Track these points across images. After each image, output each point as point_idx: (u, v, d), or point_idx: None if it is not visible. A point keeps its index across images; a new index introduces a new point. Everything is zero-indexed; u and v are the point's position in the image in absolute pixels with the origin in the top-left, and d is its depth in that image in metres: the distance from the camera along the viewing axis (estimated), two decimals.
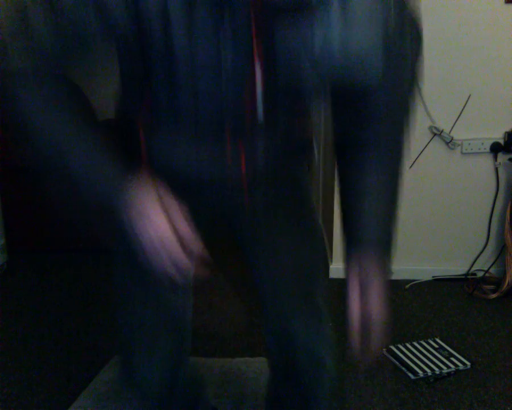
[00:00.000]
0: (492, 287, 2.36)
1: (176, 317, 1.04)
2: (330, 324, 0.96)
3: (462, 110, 2.33)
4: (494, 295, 2.29)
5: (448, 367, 1.76)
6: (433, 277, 2.50)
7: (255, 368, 1.56)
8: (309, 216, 1.05)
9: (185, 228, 0.72)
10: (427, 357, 1.81)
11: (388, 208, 0.88)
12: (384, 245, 0.84)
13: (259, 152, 0.86)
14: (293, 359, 0.97)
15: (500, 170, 2.38)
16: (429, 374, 1.72)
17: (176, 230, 0.71)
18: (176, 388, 1.03)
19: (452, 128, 2.35)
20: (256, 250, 1.03)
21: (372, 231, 0.84)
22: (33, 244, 2.97)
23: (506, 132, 2.33)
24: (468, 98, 2.31)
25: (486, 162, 2.38)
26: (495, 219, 2.43)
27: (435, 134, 2.36)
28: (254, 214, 0.99)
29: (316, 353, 0.96)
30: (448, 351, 1.86)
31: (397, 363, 1.79)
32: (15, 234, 2.94)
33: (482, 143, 2.35)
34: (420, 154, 2.39)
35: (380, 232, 0.85)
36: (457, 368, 1.75)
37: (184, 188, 0.80)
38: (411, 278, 2.50)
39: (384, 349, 1.87)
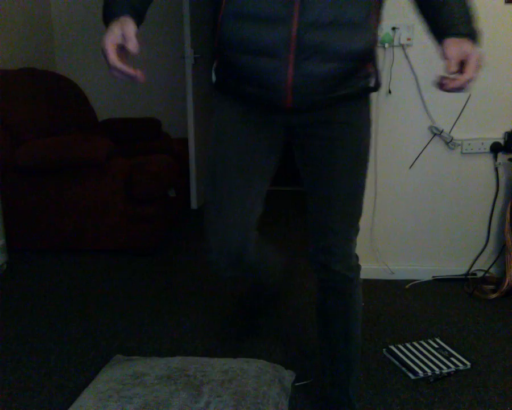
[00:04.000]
0: (492, 287, 2.36)
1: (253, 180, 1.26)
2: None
3: (462, 110, 2.33)
4: (494, 295, 2.29)
5: (448, 366, 1.76)
6: (433, 277, 2.50)
7: (256, 367, 1.56)
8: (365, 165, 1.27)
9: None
10: (427, 357, 1.81)
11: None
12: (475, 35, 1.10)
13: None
14: (334, 271, 1.29)
15: (500, 170, 2.38)
16: (429, 374, 1.72)
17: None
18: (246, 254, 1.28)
19: (452, 128, 2.35)
20: (316, 164, 1.25)
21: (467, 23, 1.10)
22: (33, 244, 2.97)
23: (506, 132, 2.33)
24: (468, 98, 2.31)
25: (486, 162, 2.39)
26: (495, 219, 2.44)
27: (435, 134, 2.36)
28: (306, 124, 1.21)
29: (350, 264, 1.30)
30: (448, 351, 1.86)
31: (397, 363, 1.79)
32: (15, 234, 2.94)
33: (482, 143, 2.35)
34: (420, 154, 2.39)
35: (472, 24, 1.10)
36: (457, 368, 1.75)
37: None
38: (411, 278, 2.50)
39: (384, 349, 1.88)
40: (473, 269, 2.50)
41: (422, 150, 2.39)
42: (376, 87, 1.22)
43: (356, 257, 1.34)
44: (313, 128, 1.20)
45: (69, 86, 3.69)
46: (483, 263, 2.49)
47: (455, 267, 2.51)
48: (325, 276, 1.32)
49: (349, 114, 1.19)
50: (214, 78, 1.25)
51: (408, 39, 2.26)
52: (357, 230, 1.31)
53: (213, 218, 1.25)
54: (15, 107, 2.95)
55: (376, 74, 1.20)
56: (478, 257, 2.49)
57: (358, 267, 1.35)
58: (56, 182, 2.86)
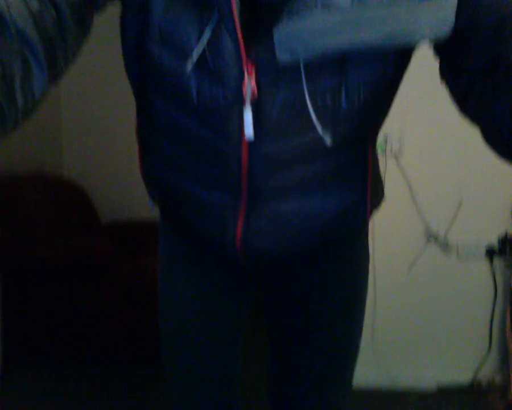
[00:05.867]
0: (498, 395, 2.27)
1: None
2: None
3: (456, 213, 2.37)
4: (501, 407, 2.20)
5: None
6: (437, 386, 2.41)
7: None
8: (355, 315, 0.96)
9: None
10: None
11: None
12: None
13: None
14: None
15: (498, 274, 2.38)
16: None
17: None
18: None
19: (447, 233, 2.38)
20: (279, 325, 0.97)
21: None
22: (30, 351, 2.90)
23: (499, 237, 2.35)
24: (460, 204, 2.36)
25: (482, 266, 2.39)
26: (496, 324, 2.39)
27: (430, 239, 2.39)
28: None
29: None
30: None
31: None
32: (12, 340, 2.87)
33: (477, 248, 2.37)
34: (415, 261, 2.40)
35: None
36: None
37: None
38: (414, 386, 2.41)
39: None
40: (478, 375, 2.42)
41: (417, 257, 2.39)
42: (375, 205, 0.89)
43: None
44: (284, 275, 0.89)
45: (74, 190, 3.79)
46: (488, 370, 2.41)
47: (459, 374, 2.42)
48: None
49: (334, 251, 0.88)
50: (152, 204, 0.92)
51: (399, 147, 2.34)
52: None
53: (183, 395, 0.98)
54: (18, 211, 3.01)
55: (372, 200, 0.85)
56: (482, 364, 2.41)
57: None
58: (52, 286, 2.84)
